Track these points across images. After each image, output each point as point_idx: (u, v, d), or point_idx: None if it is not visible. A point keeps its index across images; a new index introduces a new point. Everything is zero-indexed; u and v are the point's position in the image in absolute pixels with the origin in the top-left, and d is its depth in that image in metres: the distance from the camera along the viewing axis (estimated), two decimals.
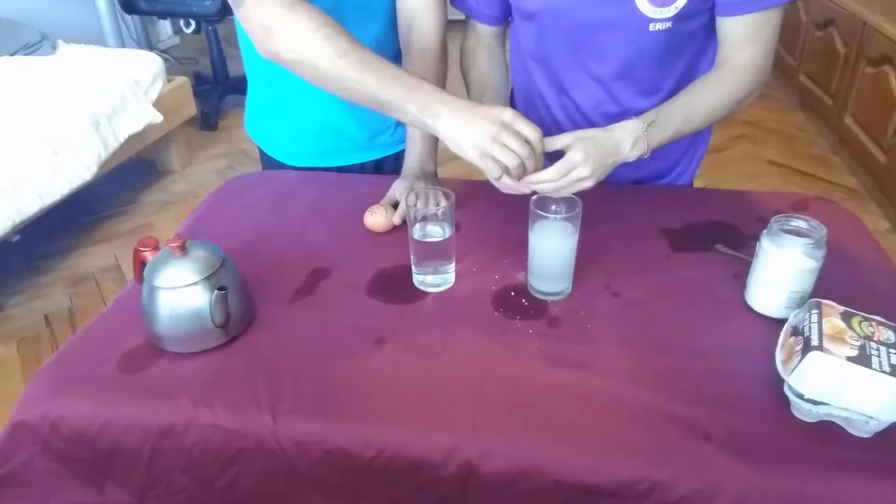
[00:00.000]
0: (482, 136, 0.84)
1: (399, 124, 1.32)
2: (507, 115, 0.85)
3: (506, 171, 0.86)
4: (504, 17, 1.17)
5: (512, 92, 1.28)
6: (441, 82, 1.24)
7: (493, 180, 0.90)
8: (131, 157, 2.78)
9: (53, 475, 0.81)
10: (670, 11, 0.99)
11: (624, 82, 1.11)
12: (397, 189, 1.15)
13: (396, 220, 1.09)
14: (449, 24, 1.19)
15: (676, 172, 1.26)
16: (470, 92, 1.16)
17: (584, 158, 0.91)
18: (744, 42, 1.02)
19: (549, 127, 1.21)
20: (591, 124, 1.18)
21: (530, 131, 0.86)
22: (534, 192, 0.92)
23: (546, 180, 0.90)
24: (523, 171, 0.88)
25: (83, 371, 0.84)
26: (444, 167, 1.27)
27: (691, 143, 1.23)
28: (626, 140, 0.96)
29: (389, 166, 1.39)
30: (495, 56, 1.20)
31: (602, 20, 1.03)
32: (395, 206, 1.12)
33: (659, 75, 1.09)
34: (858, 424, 0.71)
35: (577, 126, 1.19)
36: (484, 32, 1.20)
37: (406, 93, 0.88)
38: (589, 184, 0.92)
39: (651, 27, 1.01)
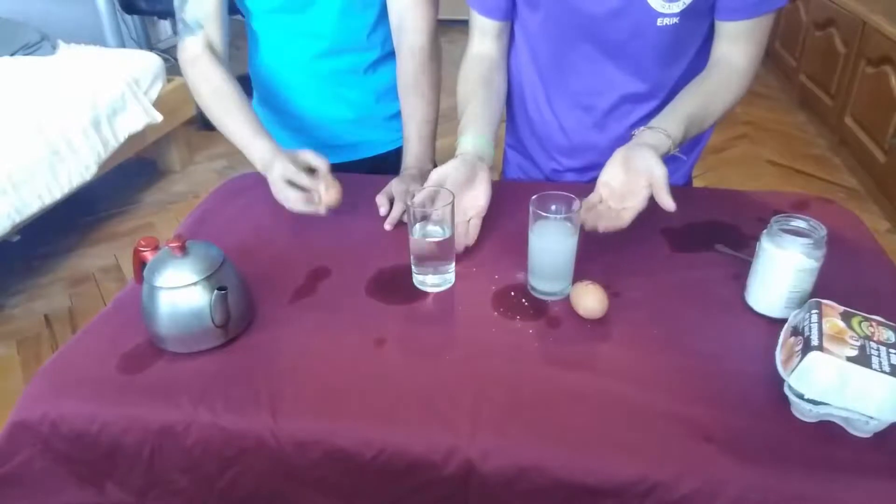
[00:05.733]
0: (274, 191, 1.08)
1: (396, 121, 1.33)
2: (283, 171, 1.06)
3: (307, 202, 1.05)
4: (508, 9, 1.13)
5: (510, 95, 1.27)
6: (434, 80, 1.24)
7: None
8: (131, 157, 2.78)
9: (53, 475, 0.81)
10: (678, 7, 0.99)
11: (627, 74, 1.10)
12: (394, 187, 1.15)
13: (388, 227, 1.09)
14: (447, 24, 1.19)
15: (673, 168, 1.25)
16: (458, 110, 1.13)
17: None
18: (740, 41, 1.04)
19: (548, 124, 1.21)
20: (589, 112, 1.17)
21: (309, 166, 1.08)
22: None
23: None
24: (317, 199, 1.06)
25: (83, 371, 0.84)
26: None
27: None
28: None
29: (388, 164, 1.39)
30: (488, 68, 1.16)
31: (610, 11, 1.02)
32: (391, 202, 1.13)
33: (662, 70, 1.10)
34: (858, 424, 0.71)
35: (578, 120, 1.19)
36: (486, 34, 1.16)
37: (244, 147, 1.17)
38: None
39: (658, 21, 1.01)
